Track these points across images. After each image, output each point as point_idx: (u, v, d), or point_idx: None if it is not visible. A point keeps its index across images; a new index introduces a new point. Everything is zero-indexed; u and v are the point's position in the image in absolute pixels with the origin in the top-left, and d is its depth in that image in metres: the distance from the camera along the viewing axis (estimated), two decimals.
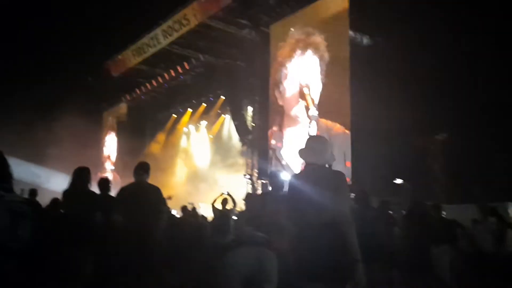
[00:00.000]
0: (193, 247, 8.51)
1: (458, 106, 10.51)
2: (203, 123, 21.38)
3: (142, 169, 5.21)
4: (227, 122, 19.90)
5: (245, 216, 4.71)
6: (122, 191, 5.27)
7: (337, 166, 12.29)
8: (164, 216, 5.37)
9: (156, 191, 5.13)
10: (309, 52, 13.75)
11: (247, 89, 17.35)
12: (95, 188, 5.69)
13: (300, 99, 13.71)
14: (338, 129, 12.57)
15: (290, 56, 14.43)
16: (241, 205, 8.71)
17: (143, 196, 5.01)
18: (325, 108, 13.06)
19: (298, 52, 14.13)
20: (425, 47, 11.03)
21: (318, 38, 13.45)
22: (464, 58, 10.38)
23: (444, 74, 10.76)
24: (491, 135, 10.21)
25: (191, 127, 22.14)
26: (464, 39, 10.32)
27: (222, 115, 20.20)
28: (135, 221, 4.85)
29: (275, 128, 14.96)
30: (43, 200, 7.87)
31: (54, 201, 6.55)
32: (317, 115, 13.03)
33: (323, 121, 13.02)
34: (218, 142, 20.38)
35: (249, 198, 6.47)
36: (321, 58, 13.37)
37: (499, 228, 7.40)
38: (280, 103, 14.79)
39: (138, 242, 4.74)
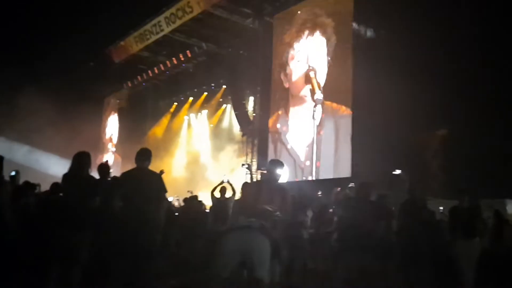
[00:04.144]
0: (191, 234, 8.56)
1: (459, 102, 10.49)
2: (204, 112, 21.36)
3: (144, 155, 5.20)
4: (228, 112, 19.88)
5: (240, 203, 4.72)
6: (124, 176, 5.27)
7: (343, 148, 12.45)
8: (164, 203, 5.39)
9: (158, 177, 5.13)
10: (317, 33, 13.74)
11: (249, 79, 17.32)
12: (95, 172, 5.71)
13: (305, 83, 13.69)
14: (344, 111, 12.62)
15: (298, 37, 14.39)
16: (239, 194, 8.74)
17: (145, 182, 5.02)
18: (331, 90, 13.09)
19: (306, 32, 14.11)
20: (427, 41, 10.99)
21: (326, 20, 13.45)
22: (467, 53, 10.34)
23: (446, 69, 10.73)
24: (492, 131, 10.20)
25: (192, 116, 22.13)
26: (467, 33, 10.27)
27: (224, 104, 20.17)
28: (135, 207, 4.86)
29: (280, 112, 14.94)
30: (44, 185, 7.90)
31: (54, 185, 6.57)
32: (322, 99, 13.02)
33: (329, 103, 13.06)
34: (218, 131, 20.37)
35: (245, 186, 6.49)
36: (328, 40, 13.37)
37: (495, 224, 7.43)
38: (286, 85, 14.73)
39: (138, 228, 4.75)
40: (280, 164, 4.50)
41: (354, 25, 12.77)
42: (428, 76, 10.85)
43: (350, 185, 8.82)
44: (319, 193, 9.89)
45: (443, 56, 10.68)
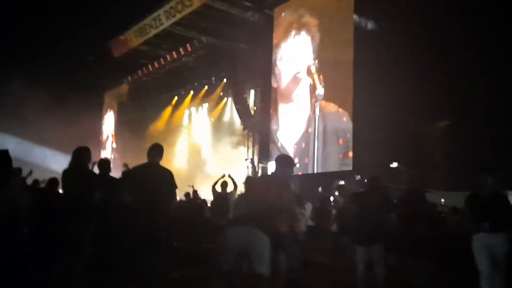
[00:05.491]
0: (193, 229, 8.58)
1: (460, 93, 10.47)
2: (205, 105, 21.34)
3: (157, 150, 5.20)
4: (229, 105, 19.85)
5: (244, 198, 4.70)
6: (135, 170, 5.24)
7: (331, 144, 12.49)
8: (175, 199, 5.39)
9: (169, 173, 5.11)
10: (303, 33, 13.85)
11: (250, 72, 17.26)
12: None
13: (308, 77, 13.63)
14: (332, 108, 12.74)
15: (285, 37, 14.52)
16: (241, 188, 8.76)
17: (156, 177, 5.00)
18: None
19: (293, 33, 14.21)
20: (429, 33, 10.94)
21: (311, 19, 13.53)
22: (468, 45, 10.30)
23: (447, 61, 10.70)
24: (493, 123, 10.19)
25: (193, 109, 22.11)
26: (468, 25, 10.23)
27: (224, 98, 20.13)
28: (146, 201, 4.83)
29: (271, 111, 15.09)
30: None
31: (52, 180, 6.57)
32: (322, 94, 12.98)
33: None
34: (219, 125, 20.35)
35: (249, 181, 6.48)
36: (313, 39, 13.43)
37: None
38: (274, 85, 14.88)
39: (147, 222, 4.72)
40: (289, 160, 4.42)
41: (355, 17, 12.70)
42: (429, 68, 10.83)
43: (357, 178, 8.86)
44: (319, 188, 9.91)
45: (444, 48, 10.64)
